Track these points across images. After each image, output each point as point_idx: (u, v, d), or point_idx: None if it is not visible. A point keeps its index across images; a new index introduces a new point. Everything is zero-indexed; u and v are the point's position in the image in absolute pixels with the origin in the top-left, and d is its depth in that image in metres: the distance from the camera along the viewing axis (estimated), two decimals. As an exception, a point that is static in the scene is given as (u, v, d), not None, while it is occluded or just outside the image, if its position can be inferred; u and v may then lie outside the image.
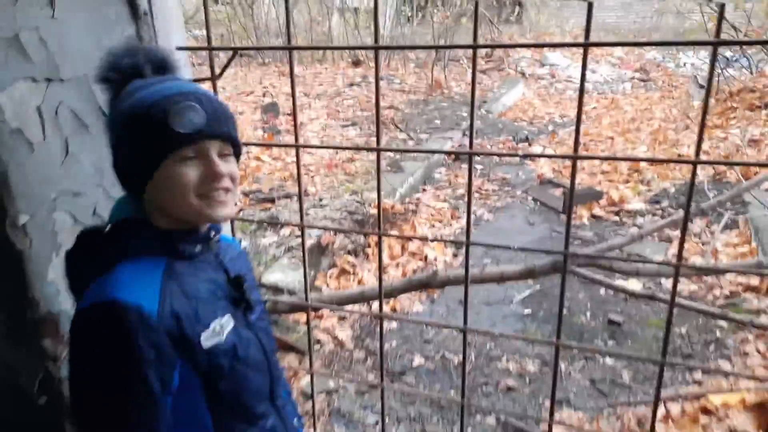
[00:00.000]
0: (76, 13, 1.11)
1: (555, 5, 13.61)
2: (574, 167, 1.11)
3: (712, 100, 5.33)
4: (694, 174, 1.02)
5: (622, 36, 12.57)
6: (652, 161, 4.70)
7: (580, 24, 14.15)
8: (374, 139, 4.87)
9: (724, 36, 7.63)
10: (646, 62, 10.25)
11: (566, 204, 4.18)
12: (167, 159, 0.77)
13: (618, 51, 10.94)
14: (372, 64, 9.78)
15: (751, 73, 6.17)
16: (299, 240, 3.06)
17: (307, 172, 4.56)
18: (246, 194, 3.82)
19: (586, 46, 1.02)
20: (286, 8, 1.19)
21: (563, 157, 5.35)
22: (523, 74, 10.12)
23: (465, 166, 5.65)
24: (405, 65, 9.67)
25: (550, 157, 4.30)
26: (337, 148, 3.81)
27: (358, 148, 3.89)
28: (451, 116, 6.73)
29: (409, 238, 3.60)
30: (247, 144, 1.18)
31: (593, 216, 4.16)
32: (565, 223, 4.11)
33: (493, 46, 0.76)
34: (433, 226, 4.07)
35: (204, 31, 8.51)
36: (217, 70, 1.33)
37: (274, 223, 2.98)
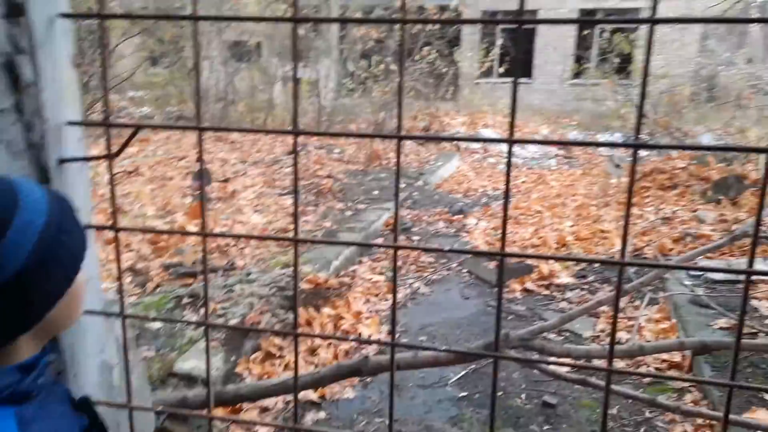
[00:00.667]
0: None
1: (487, 86, 14.48)
2: (501, 265, 1.07)
3: (626, 180, 5.66)
4: (620, 275, 1.00)
5: (546, 116, 13.41)
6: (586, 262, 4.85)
7: (509, 104, 15.07)
8: (311, 208, 4.75)
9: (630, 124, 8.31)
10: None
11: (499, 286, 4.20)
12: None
13: (544, 129, 11.63)
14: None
15: (660, 155, 6.69)
16: (221, 320, 2.87)
17: (236, 243, 4.39)
18: (165, 268, 3.60)
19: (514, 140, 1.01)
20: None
21: (491, 254, 5.45)
22: (458, 148, 10.51)
23: (402, 237, 5.65)
24: (346, 138, 9.82)
25: (479, 254, 4.34)
26: (247, 237, 3.66)
27: (269, 238, 3.73)
28: (390, 187, 6.80)
29: (328, 338, 3.47)
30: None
31: (525, 290, 4.20)
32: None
33: (416, 138, 0.72)
34: (369, 300, 3.97)
35: (140, 92, 8.33)
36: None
37: (169, 321, 2.79)
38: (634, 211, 5.08)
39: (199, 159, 1.18)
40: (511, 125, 1.16)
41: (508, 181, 1.14)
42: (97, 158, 1.23)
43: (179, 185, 5.76)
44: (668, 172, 5.42)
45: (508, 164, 1.02)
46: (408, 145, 10.46)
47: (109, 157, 1.24)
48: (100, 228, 1.28)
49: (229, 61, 9.35)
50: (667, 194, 5.29)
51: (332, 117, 10.08)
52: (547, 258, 1.52)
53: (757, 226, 1.01)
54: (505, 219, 1.06)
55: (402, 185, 7.22)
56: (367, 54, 9.91)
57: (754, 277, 3.51)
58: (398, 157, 1.05)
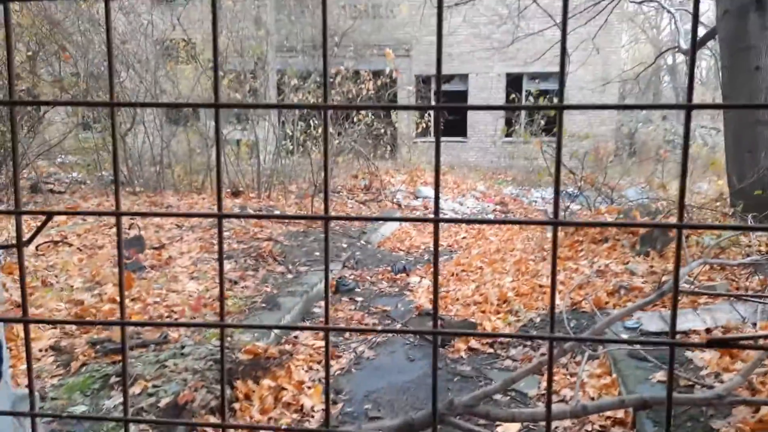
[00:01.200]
0: None
1: (424, 145, 14.95)
2: (435, 346, 1.06)
3: (561, 234, 5.92)
4: (551, 347, 1.01)
5: (482, 173, 13.92)
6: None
7: (447, 161, 15.69)
8: (250, 273, 4.59)
9: (563, 179, 8.87)
10: (505, 196, 11.33)
11: (434, 368, 4.20)
12: None
13: (481, 186, 12.04)
14: (252, 194, 9.79)
15: (590, 209, 7.05)
16: (152, 399, 2.68)
17: (170, 314, 4.19)
18: (92, 344, 3.36)
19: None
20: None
21: (425, 332, 5.47)
22: (399, 206, 10.68)
23: (345, 299, 5.57)
24: (285, 196, 9.79)
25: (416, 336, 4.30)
26: (172, 325, 3.53)
27: (196, 325, 3.61)
28: (331, 248, 6.75)
29: (259, 428, 3.32)
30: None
31: (470, 348, 4.19)
32: (444, 360, 4.04)
33: (343, 218, 0.71)
34: (311, 368, 3.84)
35: (70, 157, 8.00)
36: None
37: (85, 418, 2.59)
38: (569, 264, 5.26)
39: (119, 237, 1.12)
40: (436, 204, 1.18)
41: (436, 265, 1.16)
42: (6, 247, 1.16)
43: (110, 254, 5.49)
44: (599, 224, 5.68)
45: (435, 248, 1.02)
46: (349, 204, 10.55)
47: (19, 246, 1.17)
48: (7, 321, 1.18)
49: (165, 125, 9.23)
50: (599, 247, 5.53)
51: (272, 178, 10.05)
52: (478, 335, 1.52)
53: (676, 287, 1.06)
54: (435, 300, 1.06)
55: (344, 245, 7.21)
56: (305, 117, 10.06)
57: (686, 328, 3.67)
58: (326, 238, 1.04)
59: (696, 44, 0.59)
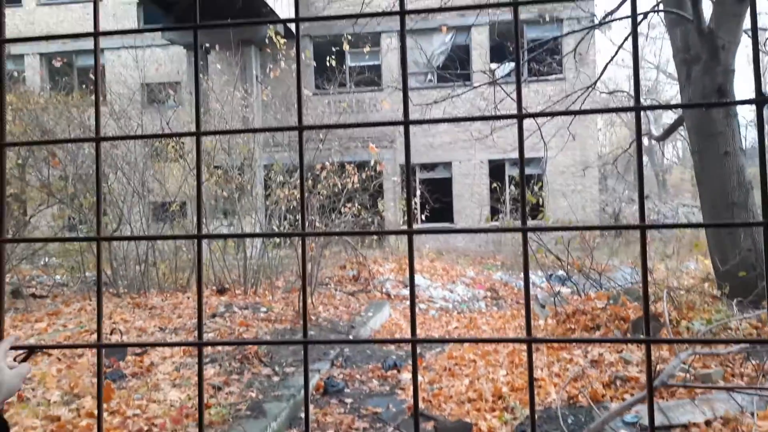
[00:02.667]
0: None
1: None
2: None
3: (553, 322, 5.84)
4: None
5: (471, 258, 13.95)
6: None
7: (435, 247, 15.78)
8: (235, 377, 4.42)
9: (548, 263, 8.95)
10: (495, 282, 11.29)
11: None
12: None
13: (470, 271, 12.01)
14: (238, 291, 9.66)
15: (580, 295, 7.02)
16: None
17: (150, 426, 3.97)
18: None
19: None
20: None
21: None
22: (388, 296, 10.56)
23: (334, 401, 5.34)
24: (272, 291, 9.66)
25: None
26: None
27: None
28: (319, 345, 6.58)
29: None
30: None
31: (467, 453, 3.98)
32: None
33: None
34: (298, 482, 3.60)
35: (54, 260, 7.90)
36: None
37: None
38: (563, 355, 5.14)
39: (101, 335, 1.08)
40: (413, 326, 1.16)
41: (416, 396, 1.11)
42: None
43: (90, 362, 5.28)
44: (589, 312, 5.64)
45: (414, 375, 0.99)
46: (337, 296, 10.41)
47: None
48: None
49: (151, 223, 9.26)
50: (591, 335, 5.45)
51: (258, 272, 9.96)
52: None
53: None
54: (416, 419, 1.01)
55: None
56: (291, 211, 10.16)
57: (684, 420, 3.54)
58: (305, 362, 1.01)
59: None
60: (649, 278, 6.43)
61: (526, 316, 1.08)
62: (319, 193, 9.79)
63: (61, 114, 8.42)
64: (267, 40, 11.79)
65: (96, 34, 1.21)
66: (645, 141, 27.47)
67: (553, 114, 1.14)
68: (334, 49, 12.06)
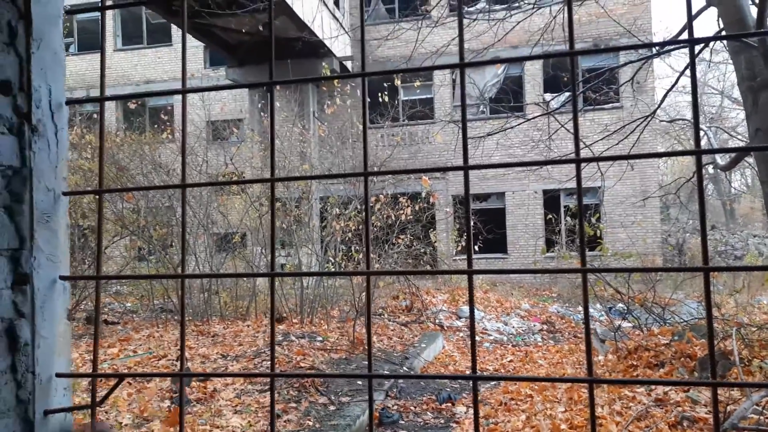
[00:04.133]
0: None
1: (465, 264, 14.98)
2: None
3: (613, 358, 5.67)
4: None
5: (525, 290, 13.71)
6: None
7: (489, 278, 15.59)
8: (293, 405, 4.56)
9: (607, 295, 8.66)
10: (551, 314, 11.03)
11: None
12: None
13: (525, 303, 11.80)
14: (295, 320, 9.88)
15: (642, 331, 6.78)
16: None
17: (214, 452, 4.13)
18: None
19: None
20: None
21: None
22: (441, 327, 10.51)
23: (389, 431, 5.37)
24: (328, 320, 9.83)
25: None
26: None
27: None
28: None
29: None
30: None
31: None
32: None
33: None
34: None
35: (125, 288, 8.39)
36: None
37: None
38: (626, 392, 4.98)
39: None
40: (474, 364, 1.24)
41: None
42: (81, 408, 1.26)
43: (159, 387, 5.56)
44: (653, 349, 5.45)
45: (476, 414, 1.07)
46: (390, 326, 10.45)
47: (93, 406, 1.27)
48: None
49: (214, 254, 9.69)
50: (655, 373, 5.25)
51: (314, 301, 10.17)
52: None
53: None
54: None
55: (386, 371, 7.08)
56: (345, 242, 10.38)
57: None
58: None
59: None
60: (718, 314, 6.15)
61: (587, 355, 1.12)
62: (373, 225, 9.98)
63: (135, 152, 9.05)
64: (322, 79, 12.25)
65: (183, 92, 1.38)
66: (710, 169, 26.37)
67: (611, 159, 1.19)
68: (386, 85, 12.38)
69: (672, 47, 7.11)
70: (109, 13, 19.80)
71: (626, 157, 1.20)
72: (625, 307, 7.65)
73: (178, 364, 6.28)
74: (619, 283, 7.53)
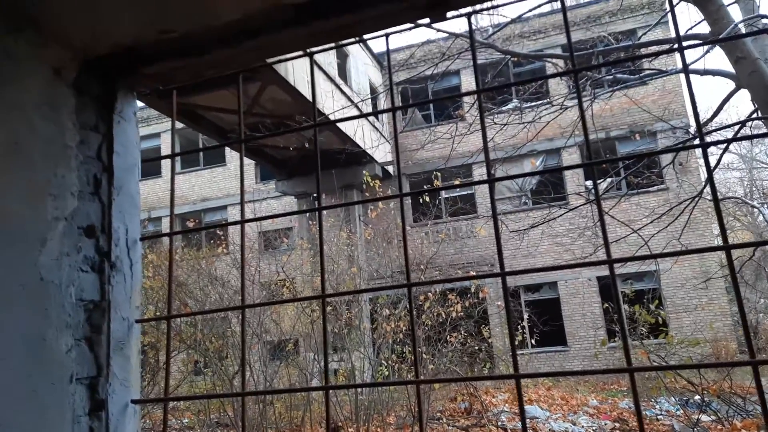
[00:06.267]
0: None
1: (523, 359, 14.37)
2: None
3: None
4: None
5: (591, 384, 12.93)
6: None
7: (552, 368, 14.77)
8: None
9: (679, 387, 8.02)
10: (622, 411, 10.28)
11: None
12: None
13: (592, 399, 11.08)
14: (351, 429, 9.56)
15: (722, 425, 6.21)
16: None
17: None
18: None
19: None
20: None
21: None
22: (504, 430, 9.91)
23: None
24: (384, 428, 9.47)
25: None
26: None
27: None
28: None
29: None
30: None
31: None
32: None
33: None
34: None
35: (182, 403, 8.40)
36: None
37: None
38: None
39: None
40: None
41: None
42: None
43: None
44: (737, 445, 4.97)
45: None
46: (449, 430, 9.94)
47: None
48: None
49: (268, 362, 9.72)
50: (744, 473, 4.75)
51: (370, 408, 9.87)
52: None
53: None
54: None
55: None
56: (397, 342, 10.24)
57: None
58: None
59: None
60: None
61: None
62: (423, 323, 9.85)
63: (192, 267, 9.49)
64: (364, 185, 12.79)
65: (242, 222, 1.53)
66: (774, 243, 25.08)
67: (636, 259, 1.23)
68: (426, 187, 12.76)
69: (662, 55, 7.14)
70: (167, 140, 21.67)
71: (651, 256, 1.24)
72: (701, 399, 7.07)
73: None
74: (690, 374, 7.03)
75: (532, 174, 1.40)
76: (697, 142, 7.08)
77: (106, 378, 1.35)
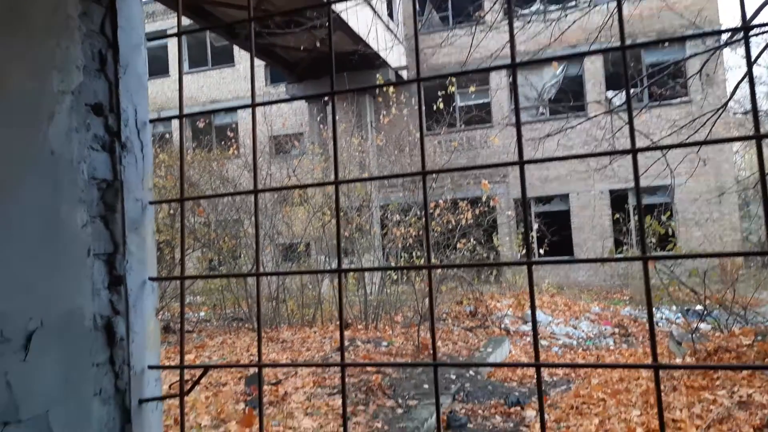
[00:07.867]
0: (48, 354, 1.13)
1: (533, 268, 14.67)
2: None
3: (691, 360, 5.39)
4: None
5: (595, 293, 13.27)
6: None
7: (555, 282, 15.17)
8: (361, 407, 4.66)
9: (682, 296, 8.21)
10: (623, 318, 10.62)
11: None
12: None
13: (595, 307, 11.41)
14: (360, 326, 10.04)
15: (721, 332, 6.41)
16: None
17: (287, 452, 4.28)
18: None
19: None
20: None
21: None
22: (507, 332, 10.34)
23: (456, 436, 5.36)
24: (392, 326, 9.92)
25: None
26: None
27: None
28: (440, 379, 6.64)
29: None
30: None
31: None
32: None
33: (450, 364, 0.81)
34: None
35: (198, 298, 8.82)
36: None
37: None
38: (706, 395, 4.75)
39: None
40: (536, 352, 1.26)
41: (542, 421, 1.20)
42: (172, 396, 1.38)
43: (233, 391, 5.82)
44: (734, 350, 5.16)
45: (540, 401, 1.10)
46: (456, 332, 10.40)
47: (181, 395, 1.40)
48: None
49: (280, 263, 10.02)
50: (737, 375, 4.96)
51: (378, 307, 10.29)
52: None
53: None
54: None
55: (453, 376, 7.06)
56: (406, 248, 10.44)
57: None
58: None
59: None
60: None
61: (651, 343, 1.12)
62: (433, 230, 10.00)
63: (204, 168, 9.54)
64: (378, 90, 12.44)
65: (253, 105, 1.48)
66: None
67: (667, 147, 1.18)
68: (440, 93, 12.38)
69: (727, 39, 6.72)
70: (175, 40, 21.00)
71: (683, 145, 1.19)
72: (703, 309, 7.26)
73: (250, 369, 6.53)
74: (695, 283, 7.16)
75: (559, 58, 1.32)
76: (740, 34, 6.68)
77: (123, 255, 1.37)
